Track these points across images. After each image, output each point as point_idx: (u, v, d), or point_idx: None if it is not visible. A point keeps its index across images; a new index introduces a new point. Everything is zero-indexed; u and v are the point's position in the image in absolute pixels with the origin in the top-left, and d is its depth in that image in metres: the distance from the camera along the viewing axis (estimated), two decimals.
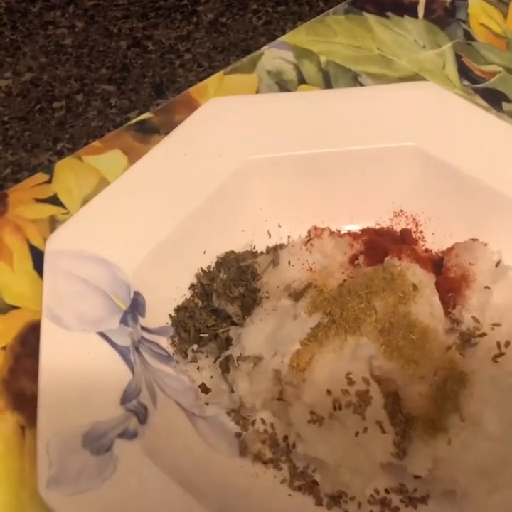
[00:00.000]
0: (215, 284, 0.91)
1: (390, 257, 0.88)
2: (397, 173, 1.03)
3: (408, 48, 1.32)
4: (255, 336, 0.83)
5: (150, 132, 1.20)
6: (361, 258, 0.91)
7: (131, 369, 0.82)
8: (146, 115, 1.23)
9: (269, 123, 1.02)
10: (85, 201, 1.09)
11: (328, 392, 0.80)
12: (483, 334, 0.89)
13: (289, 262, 0.89)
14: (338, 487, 0.83)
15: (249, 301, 0.88)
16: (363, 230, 1.04)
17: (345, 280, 0.90)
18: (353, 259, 0.92)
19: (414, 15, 1.37)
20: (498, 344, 0.88)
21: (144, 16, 1.29)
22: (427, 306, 0.84)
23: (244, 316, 0.89)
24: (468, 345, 0.89)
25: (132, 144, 1.19)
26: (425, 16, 1.36)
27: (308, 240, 0.93)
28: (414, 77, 1.27)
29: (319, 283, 0.88)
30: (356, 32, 1.35)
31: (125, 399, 0.80)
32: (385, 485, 0.85)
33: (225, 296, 0.89)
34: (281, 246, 0.95)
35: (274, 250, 0.94)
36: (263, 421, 0.88)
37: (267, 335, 0.83)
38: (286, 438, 0.87)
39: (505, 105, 1.24)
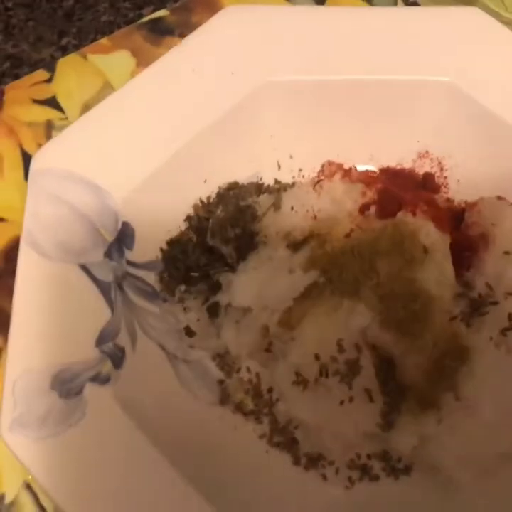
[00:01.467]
0: (211, 221, 0.84)
1: (403, 212, 0.80)
2: (426, 110, 0.92)
3: None
4: (246, 286, 0.77)
5: (163, 33, 1.10)
6: (372, 208, 0.83)
7: (111, 308, 0.77)
8: (160, 12, 1.12)
9: (292, 40, 0.91)
10: (85, 107, 1.01)
11: (317, 356, 0.74)
12: (495, 303, 0.82)
13: (292, 208, 0.81)
14: (318, 449, 0.79)
15: (245, 245, 0.82)
16: (382, 170, 0.95)
17: (352, 230, 0.83)
18: (363, 209, 0.84)
19: None
20: (510, 316, 0.81)
21: None
22: (435, 273, 0.77)
23: (239, 260, 0.82)
24: (477, 313, 0.82)
25: (143, 45, 1.09)
26: None
27: (318, 181, 0.85)
28: None
29: (323, 231, 0.80)
30: None
31: (101, 340, 0.75)
32: (367, 450, 0.81)
33: (220, 235, 0.83)
34: (286, 187, 0.87)
35: (278, 192, 0.85)
36: (249, 369, 0.84)
37: (258, 286, 0.77)
38: (270, 390, 0.83)
39: None
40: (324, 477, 0.79)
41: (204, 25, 0.91)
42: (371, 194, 0.84)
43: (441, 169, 0.95)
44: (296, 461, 0.80)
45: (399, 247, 0.75)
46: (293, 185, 0.87)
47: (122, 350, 0.77)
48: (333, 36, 0.91)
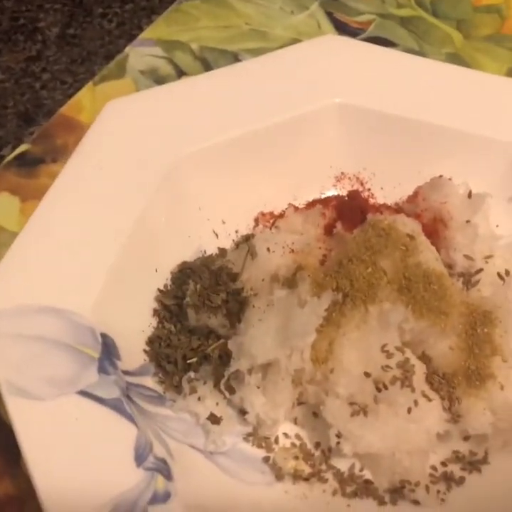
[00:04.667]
0: (188, 299, 0.78)
1: (371, 214, 0.80)
2: (328, 134, 0.95)
3: (277, 16, 1.25)
4: (262, 339, 0.71)
5: (35, 164, 1.04)
6: (339, 225, 0.82)
7: (133, 421, 0.67)
8: (23, 147, 1.07)
9: (182, 113, 0.91)
10: None
11: (366, 374, 0.70)
12: (480, 270, 0.83)
13: (268, 249, 0.78)
14: (397, 477, 0.73)
15: (235, 306, 0.76)
16: (309, 204, 0.95)
17: (325, 255, 0.81)
18: (329, 229, 0.82)
19: None
20: (500, 276, 0.82)
21: None
22: (430, 254, 0.76)
23: (233, 325, 0.76)
24: (470, 285, 0.82)
25: (18, 181, 1.02)
26: None
27: (273, 223, 0.83)
28: (294, 44, 1.20)
29: (306, 262, 0.77)
30: (218, 12, 1.26)
31: (140, 458, 0.65)
32: (439, 459, 0.76)
33: (205, 308, 0.77)
34: (250, 236, 0.84)
35: (247, 241, 0.82)
36: (287, 435, 0.77)
37: (274, 333, 0.71)
38: (318, 444, 0.77)
39: None
40: (416, 502, 0.73)
41: (94, 125, 0.88)
42: (330, 213, 0.83)
43: (362, 183, 0.97)
44: (381, 501, 0.73)
45: (389, 242, 0.74)
46: (252, 236, 0.84)
47: (164, 461, 0.67)
48: (217, 99, 0.92)
